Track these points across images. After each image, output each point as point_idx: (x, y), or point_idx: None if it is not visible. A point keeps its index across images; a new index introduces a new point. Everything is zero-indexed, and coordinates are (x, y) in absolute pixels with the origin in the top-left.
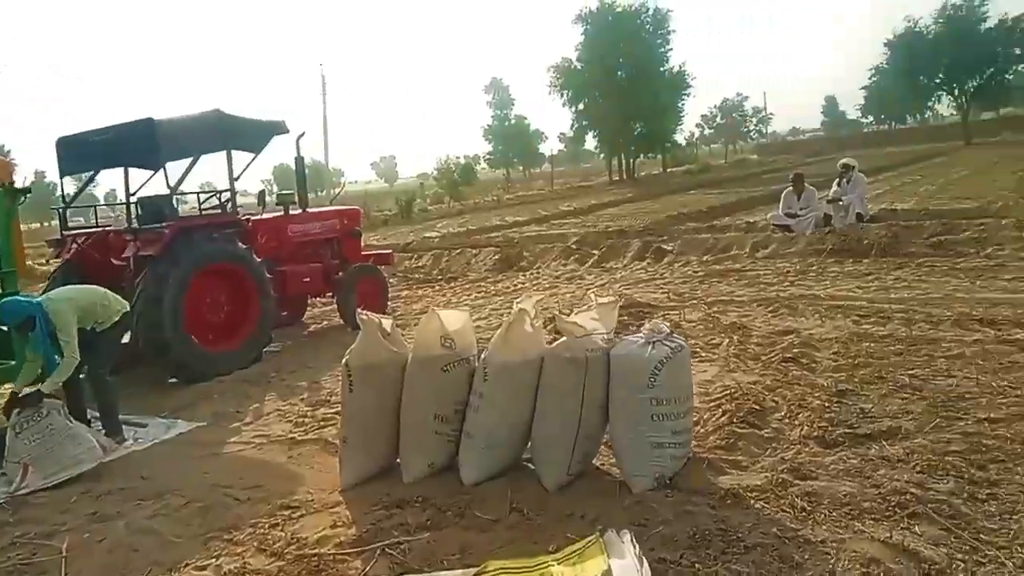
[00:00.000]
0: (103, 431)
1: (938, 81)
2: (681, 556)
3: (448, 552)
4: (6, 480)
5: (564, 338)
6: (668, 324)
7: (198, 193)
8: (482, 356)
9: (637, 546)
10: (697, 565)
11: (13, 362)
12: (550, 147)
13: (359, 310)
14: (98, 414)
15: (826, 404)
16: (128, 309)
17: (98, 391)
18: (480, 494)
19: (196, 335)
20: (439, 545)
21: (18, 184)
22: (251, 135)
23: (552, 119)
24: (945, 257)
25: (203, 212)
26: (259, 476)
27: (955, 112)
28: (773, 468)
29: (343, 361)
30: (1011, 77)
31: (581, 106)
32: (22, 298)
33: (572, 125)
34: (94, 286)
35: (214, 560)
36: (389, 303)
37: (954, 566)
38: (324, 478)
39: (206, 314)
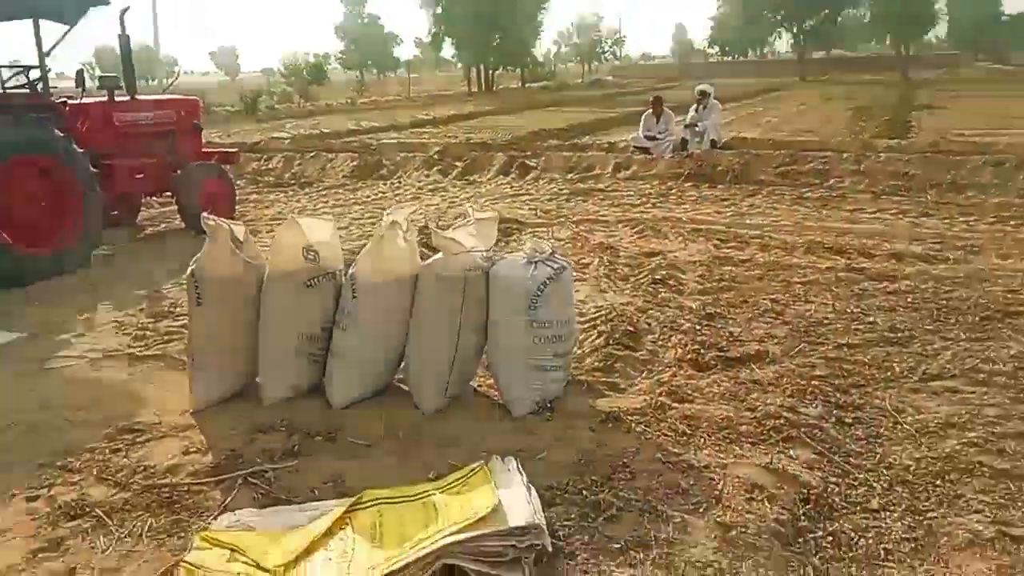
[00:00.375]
0: None
1: (779, 17)
2: (568, 483)
3: (318, 480)
4: None
5: (440, 255)
6: (550, 243)
7: (0, 67)
8: (350, 271)
9: (524, 474)
10: (584, 492)
11: None
12: (405, 52)
13: (205, 214)
14: None
15: (696, 327)
16: None
17: None
18: (351, 418)
19: (8, 234)
20: (308, 473)
21: None
22: (62, 3)
23: (408, 22)
24: (792, 187)
25: (7, 91)
26: (95, 395)
27: (790, 50)
28: (651, 391)
29: (188, 271)
30: (841, 19)
31: (439, 9)
32: None
33: (429, 30)
34: None
35: (46, 490)
36: (237, 207)
37: (829, 489)
38: (171, 399)
39: (18, 211)
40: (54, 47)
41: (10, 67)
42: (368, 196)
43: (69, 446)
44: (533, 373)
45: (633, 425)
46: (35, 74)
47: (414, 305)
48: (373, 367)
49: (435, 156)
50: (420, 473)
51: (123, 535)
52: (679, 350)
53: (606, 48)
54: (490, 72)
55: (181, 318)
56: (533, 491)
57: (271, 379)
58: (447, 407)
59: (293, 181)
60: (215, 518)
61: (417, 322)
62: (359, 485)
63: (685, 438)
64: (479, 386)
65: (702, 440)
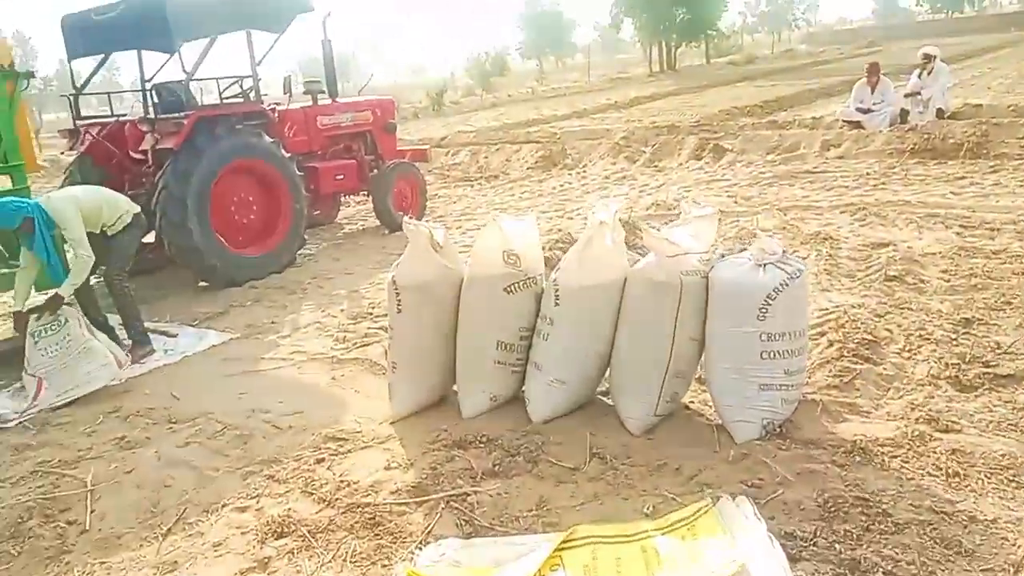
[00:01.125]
0: (130, 341)
1: None
2: (815, 532)
3: (523, 506)
4: (24, 394)
5: (652, 256)
6: (780, 241)
7: (218, 79)
8: (552, 276)
9: (763, 521)
10: (837, 545)
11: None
12: (584, 36)
13: (405, 218)
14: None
15: (951, 335)
16: (139, 210)
17: (116, 298)
18: (553, 435)
19: (225, 236)
20: (511, 498)
21: (20, 68)
22: (272, 13)
23: (586, 6)
24: None
25: (224, 101)
26: (300, 400)
27: (1017, 2)
28: (904, 416)
29: (390, 277)
30: None
31: None
32: (16, 199)
33: (611, 10)
34: (95, 186)
35: (254, 502)
36: (427, 203)
37: None
38: (371, 405)
39: (234, 214)
40: (264, 56)
41: (225, 78)
42: (554, 187)
43: (276, 454)
44: (760, 392)
45: (887, 459)
46: (248, 83)
47: (622, 312)
48: (575, 379)
49: (620, 142)
50: (632, 504)
51: (327, 559)
52: (933, 364)
53: (798, 15)
54: (672, 49)
55: (380, 319)
56: (777, 544)
57: (469, 390)
58: (657, 427)
59: (479, 175)
60: (419, 548)
61: (625, 331)
62: (566, 514)
63: (957, 480)
64: (690, 402)
65: (980, 483)
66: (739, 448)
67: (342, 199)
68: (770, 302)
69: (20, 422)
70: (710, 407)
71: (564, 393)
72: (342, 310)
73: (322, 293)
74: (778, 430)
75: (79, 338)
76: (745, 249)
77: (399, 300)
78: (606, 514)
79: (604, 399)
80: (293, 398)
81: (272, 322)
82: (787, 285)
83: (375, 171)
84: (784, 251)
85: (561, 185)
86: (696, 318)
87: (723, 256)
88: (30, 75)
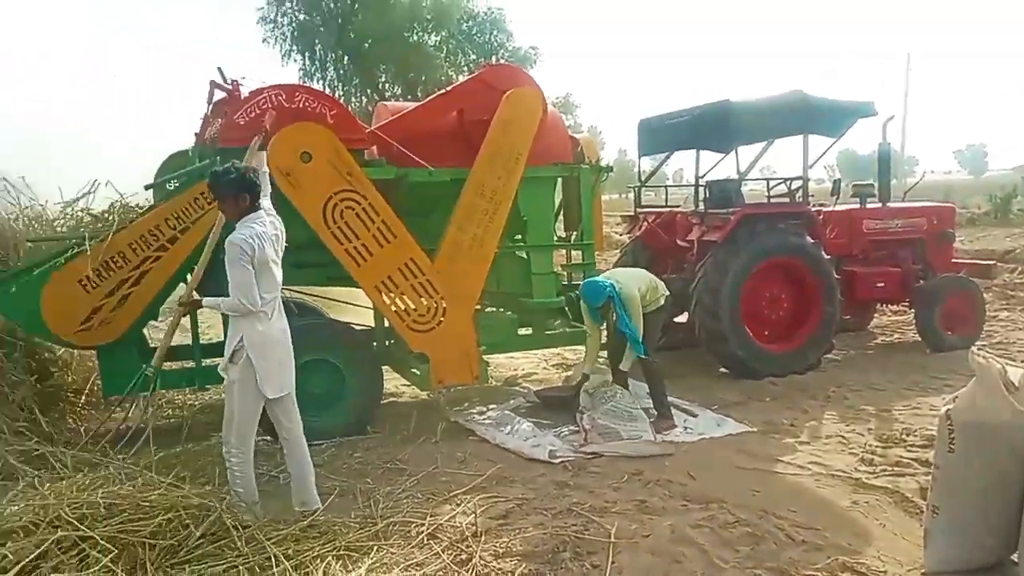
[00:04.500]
0: (655, 411)
1: None
2: None
3: None
4: (571, 438)
5: None
6: None
7: (767, 180)
8: None
9: None
10: None
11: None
12: None
13: (974, 351)
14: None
15: None
16: (668, 294)
17: (645, 372)
18: None
19: (751, 329)
20: None
21: (604, 162)
22: (833, 118)
23: None
24: None
25: (771, 199)
26: (816, 516)
27: None
28: None
29: (943, 410)
30: None
31: None
32: (600, 280)
33: None
34: (643, 271)
35: None
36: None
37: None
38: (899, 545)
39: (763, 309)
40: (818, 159)
41: (775, 179)
42: None
43: (786, 566)
44: None
45: None
46: (796, 183)
47: None
48: None
49: None
50: None
51: None
52: None
53: None
54: None
55: (915, 449)
56: None
57: None
58: None
59: None
60: None
61: None
62: None
63: None
64: None
65: None
66: None
67: (878, 307)
68: None
69: (562, 461)
70: None
71: None
72: (870, 429)
73: (846, 405)
74: None
75: (627, 405)
76: None
77: (952, 439)
78: None
79: None
80: (809, 511)
81: (791, 424)
82: None
83: (922, 282)
84: None
85: None
86: None
87: None
88: (610, 169)
